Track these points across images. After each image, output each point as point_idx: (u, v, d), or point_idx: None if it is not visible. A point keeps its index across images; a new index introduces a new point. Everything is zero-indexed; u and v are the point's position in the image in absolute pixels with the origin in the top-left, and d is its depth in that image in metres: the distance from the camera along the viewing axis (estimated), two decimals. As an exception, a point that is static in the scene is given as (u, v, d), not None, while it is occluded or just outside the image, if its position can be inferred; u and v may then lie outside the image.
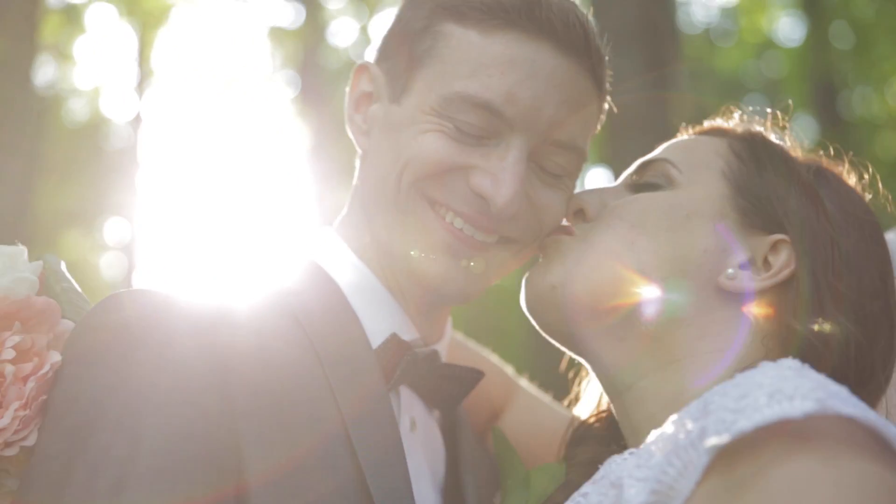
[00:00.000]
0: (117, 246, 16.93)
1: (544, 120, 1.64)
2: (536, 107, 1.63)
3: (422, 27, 1.65)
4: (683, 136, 1.83)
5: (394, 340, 1.63)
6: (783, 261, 1.61)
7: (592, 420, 1.81)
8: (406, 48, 1.65)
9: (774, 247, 1.62)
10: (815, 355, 1.51)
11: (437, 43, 1.63)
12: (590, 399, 1.86)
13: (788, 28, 17.91)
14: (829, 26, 14.82)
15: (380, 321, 1.65)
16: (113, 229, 17.14)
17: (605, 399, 1.80)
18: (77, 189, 16.25)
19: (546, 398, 2.10)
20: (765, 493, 1.17)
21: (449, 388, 1.71)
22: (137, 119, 15.44)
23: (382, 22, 1.78)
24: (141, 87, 15.75)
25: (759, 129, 1.78)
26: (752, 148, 1.71)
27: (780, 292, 1.60)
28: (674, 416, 1.36)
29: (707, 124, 1.83)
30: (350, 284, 1.67)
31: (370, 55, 1.75)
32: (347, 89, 1.74)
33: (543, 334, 1.72)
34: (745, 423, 1.21)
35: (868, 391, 1.55)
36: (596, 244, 1.65)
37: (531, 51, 1.63)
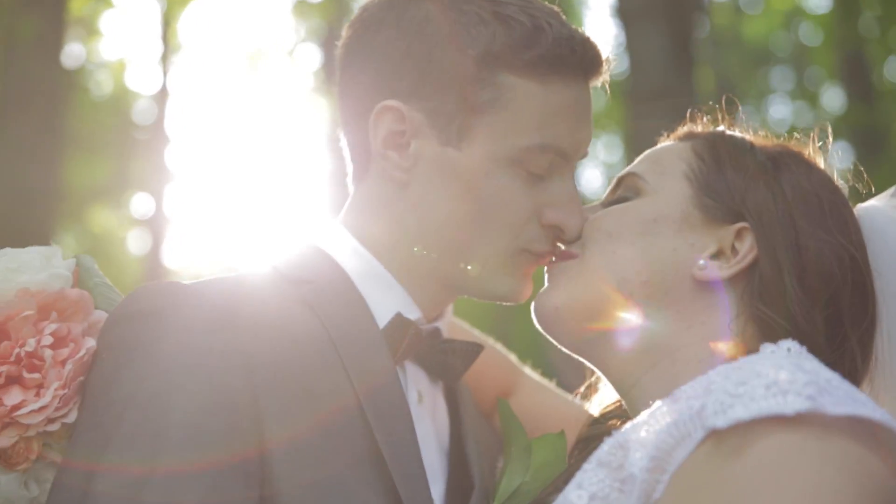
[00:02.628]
0: (143, 221, 17.09)
1: (584, 146, 1.83)
2: (585, 139, 1.82)
3: (474, 76, 1.73)
4: (659, 144, 1.95)
5: (398, 319, 1.76)
6: (747, 246, 1.74)
7: (601, 419, 1.95)
8: (454, 94, 1.74)
9: (738, 234, 1.75)
10: (782, 334, 1.63)
11: (501, 95, 1.73)
12: (602, 398, 2.00)
13: (817, -5, 17.81)
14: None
15: (385, 303, 1.79)
16: (140, 204, 17.35)
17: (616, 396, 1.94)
18: (104, 163, 16.41)
19: (550, 385, 2.21)
20: (745, 460, 1.30)
21: (451, 362, 1.85)
22: (164, 93, 15.51)
23: (381, 56, 1.80)
24: (166, 60, 15.83)
25: (721, 127, 1.92)
26: (712, 146, 1.84)
27: (748, 277, 1.73)
28: (677, 391, 1.49)
29: (679, 130, 1.96)
30: (356, 270, 1.80)
31: (383, 92, 1.78)
32: (371, 130, 1.79)
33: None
34: (742, 411, 1.33)
35: (846, 364, 1.68)
36: (586, 262, 1.80)
37: (577, 91, 1.79)
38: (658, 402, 1.50)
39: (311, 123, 15.77)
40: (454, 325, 2.02)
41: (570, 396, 2.16)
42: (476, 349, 1.86)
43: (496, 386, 2.10)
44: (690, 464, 1.35)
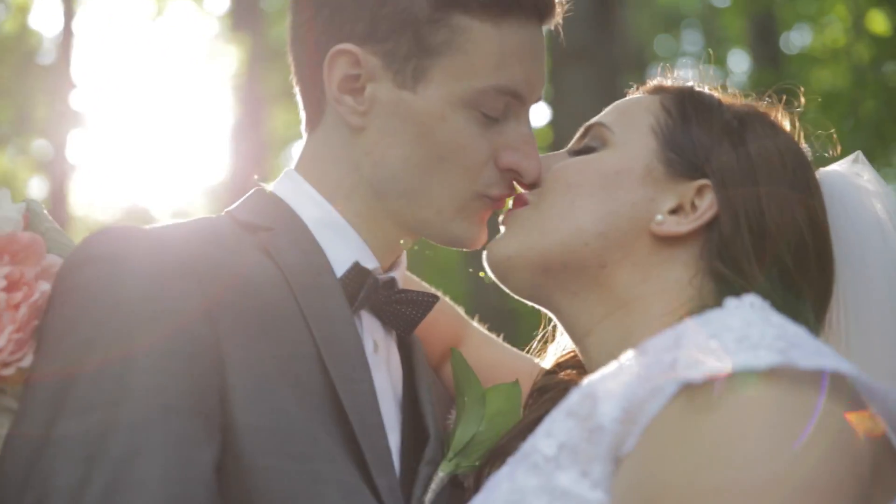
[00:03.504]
0: (43, 166, 16.68)
1: (539, 90, 1.84)
2: (540, 82, 1.83)
3: (428, 17, 1.72)
4: (627, 96, 1.97)
5: (356, 268, 1.77)
6: (707, 203, 1.76)
7: (556, 368, 1.97)
8: (409, 36, 1.73)
9: (699, 191, 1.77)
10: (740, 292, 1.63)
11: (455, 37, 1.73)
12: (554, 351, 2.02)
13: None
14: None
15: (343, 251, 1.79)
16: (41, 148, 16.88)
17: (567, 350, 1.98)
18: (5, 106, 15.91)
19: (497, 339, 2.23)
20: (720, 414, 1.32)
21: (407, 312, 1.85)
22: (68, 34, 15.05)
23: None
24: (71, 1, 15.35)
25: (690, 83, 1.93)
26: (680, 101, 1.85)
27: (706, 234, 1.75)
28: (645, 343, 1.50)
29: (649, 84, 1.96)
30: (314, 219, 1.80)
31: (337, 36, 1.76)
32: (325, 71, 1.77)
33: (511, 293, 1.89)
34: (714, 364, 1.34)
35: (798, 322, 1.68)
36: (542, 210, 1.81)
37: (531, 33, 1.80)
38: (627, 354, 1.52)
39: (216, 69, 15.48)
40: (407, 278, 2.02)
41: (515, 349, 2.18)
42: (431, 299, 1.86)
43: (444, 337, 2.11)
44: (663, 417, 1.37)
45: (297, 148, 1.91)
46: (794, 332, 1.41)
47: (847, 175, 1.89)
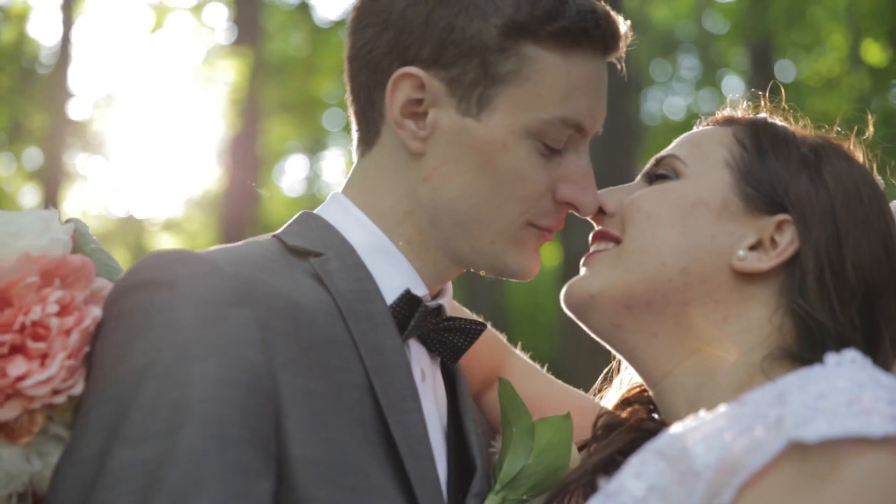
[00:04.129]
0: (36, 175, 16.60)
1: (600, 123, 1.82)
2: (601, 115, 1.81)
3: (497, 46, 1.70)
4: (696, 128, 1.94)
5: (407, 296, 1.74)
6: (788, 239, 1.73)
7: (622, 405, 1.94)
8: (476, 63, 1.71)
9: (779, 227, 1.74)
10: (820, 330, 1.66)
11: (523, 66, 1.71)
12: (616, 389, 1.99)
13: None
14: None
15: (393, 278, 1.76)
16: (34, 158, 16.81)
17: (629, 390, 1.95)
18: (1, 113, 15.83)
19: (541, 369, 2.20)
20: (839, 485, 1.30)
21: (454, 340, 1.82)
22: (66, 43, 15.01)
23: (400, 21, 1.75)
24: (69, 10, 15.31)
25: (763, 115, 1.90)
26: (754, 134, 1.82)
27: (788, 270, 1.72)
28: (744, 395, 1.47)
29: (718, 115, 1.94)
30: (363, 245, 1.77)
31: (401, 59, 1.74)
32: (388, 94, 1.75)
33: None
34: (826, 428, 1.32)
35: (877, 360, 1.65)
36: (626, 246, 1.79)
37: (597, 66, 1.78)
38: (723, 406, 1.49)
39: (214, 82, 15.45)
40: (452, 304, 1.99)
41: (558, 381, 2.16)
42: (479, 327, 1.83)
43: (486, 366, 2.08)
44: (770, 476, 1.34)
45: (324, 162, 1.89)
46: None
47: None
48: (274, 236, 1.80)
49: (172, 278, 1.54)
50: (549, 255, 13.76)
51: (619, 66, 1.86)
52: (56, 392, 1.49)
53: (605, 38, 1.77)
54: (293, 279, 1.67)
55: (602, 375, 2.06)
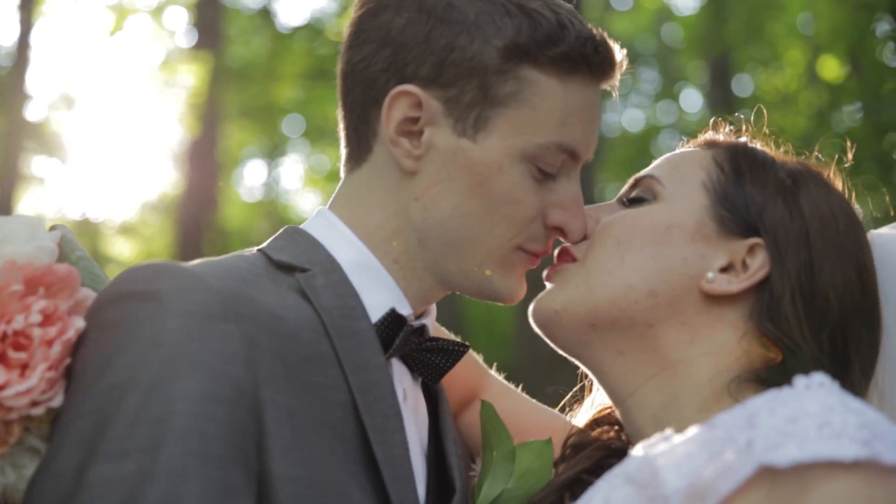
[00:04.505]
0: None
1: (592, 149, 1.83)
2: (594, 142, 1.82)
3: (497, 68, 1.70)
4: (677, 149, 1.95)
5: (392, 315, 1.73)
6: (759, 263, 1.74)
7: (592, 425, 1.94)
8: (475, 84, 1.70)
9: (751, 250, 1.75)
10: (790, 355, 1.67)
11: (522, 89, 1.71)
12: (588, 409, 1.99)
13: (687, -4, 18.26)
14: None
15: (378, 296, 1.74)
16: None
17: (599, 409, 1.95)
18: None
19: (516, 389, 2.20)
20: None
21: (436, 360, 1.81)
22: (24, 44, 14.81)
23: (399, 39, 1.74)
24: (28, 10, 15.11)
25: (744, 139, 1.91)
26: (733, 158, 1.83)
27: (757, 294, 1.73)
28: (713, 418, 1.47)
29: (700, 137, 1.95)
30: (349, 262, 1.75)
31: (399, 77, 1.73)
32: (384, 111, 1.74)
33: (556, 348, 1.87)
34: (797, 452, 1.32)
35: (845, 387, 1.65)
36: (590, 266, 1.79)
37: (592, 92, 1.79)
38: (693, 428, 1.49)
39: (173, 86, 15.33)
40: (434, 325, 1.98)
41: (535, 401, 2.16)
42: (462, 349, 1.83)
43: (463, 387, 2.08)
44: (740, 501, 1.34)
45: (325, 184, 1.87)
46: (875, 419, 1.39)
47: None
48: (259, 250, 1.79)
49: (158, 291, 1.51)
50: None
51: (613, 95, 1.87)
52: (35, 404, 1.47)
53: (602, 65, 1.77)
54: (278, 294, 1.65)
55: (570, 394, 2.06)
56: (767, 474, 1.34)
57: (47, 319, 1.50)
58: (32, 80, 15.77)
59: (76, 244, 1.67)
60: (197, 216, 14.02)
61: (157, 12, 17.15)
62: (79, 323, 1.52)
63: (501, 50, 1.70)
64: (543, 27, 1.71)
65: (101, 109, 16.82)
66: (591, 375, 1.88)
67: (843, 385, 1.56)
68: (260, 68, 17.77)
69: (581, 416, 1.99)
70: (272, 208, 20.71)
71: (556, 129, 1.73)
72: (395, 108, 1.73)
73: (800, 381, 1.46)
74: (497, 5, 1.72)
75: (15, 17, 15.01)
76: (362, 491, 1.57)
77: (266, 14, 18.38)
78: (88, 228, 16.64)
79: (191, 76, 14.32)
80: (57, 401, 1.49)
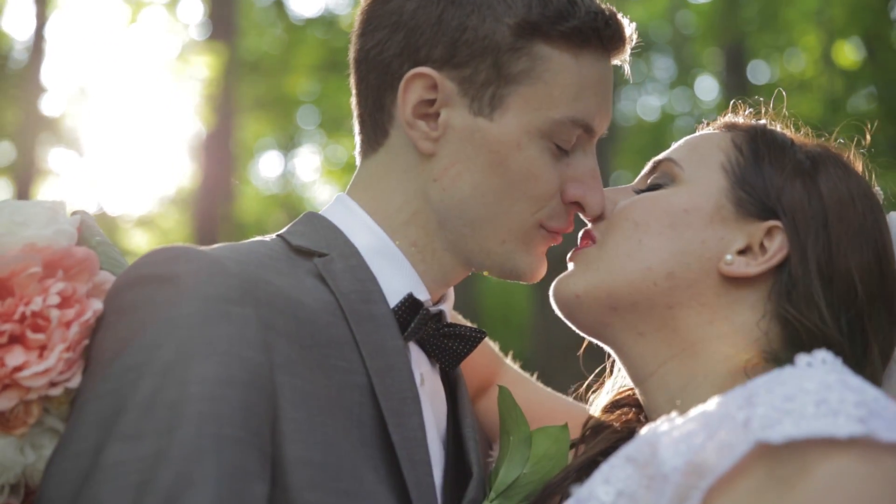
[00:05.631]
0: (7, 170, 16.45)
1: (607, 123, 1.83)
2: (608, 116, 1.82)
3: (510, 45, 1.71)
4: (698, 132, 1.95)
5: (410, 300, 1.74)
6: (777, 245, 1.74)
7: (611, 407, 1.95)
8: (489, 63, 1.71)
9: (769, 232, 1.75)
10: (808, 336, 1.67)
11: (535, 65, 1.72)
12: (608, 391, 2.00)
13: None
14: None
15: (396, 281, 1.76)
16: (6, 152, 16.66)
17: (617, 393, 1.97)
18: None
19: (531, 378, 2.22)
20: (807, 489, 1.30)
21: (453, 346, 1.82)
22: (39, 38, 14.86)
23: (411, 22, 1.75)
24: (43, 4, 15.16)
25: (763, 121, 1.91)
26: (752, 140, 1.84)
27: (776, 276, 1.73)
28: (714, 399, 1.47)
29: (720, 120, 1.95)
30: (368, 247, 1.77)
31: (412, 60, 1.74)
32: (399, 94, 1.75)
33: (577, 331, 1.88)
34: (793, 429, 1.32)
35: (866, 373, 1.68)
36: (609, 249, 1.80)
37: (604, 67, 1.80)
38: (696, 408, 1.49)
39: (188, 78, 15.36)
40: (451, 312, 1.99)
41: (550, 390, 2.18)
42: (479, 335, 1.84)
43: (479, 374, 2.09)
44: (738, 479, 1.35)
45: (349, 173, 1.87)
46: (874, 396, 1.38)
47: None
48: (278, 235, 1.80)
49: (176, 274, 1.52)
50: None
51: (625, 70, 1.88)
52: (53, 384, 1.49)
53: (613, 38, 1.79)
54: (296, 278, 1.67)
55: (585, 383, 2.07)
56: (765, 453, 1.34)
57: (65, 301, 1.51)
58: (48, 73, 15.85)
59: (97, 229, 1.68)
60: (213, 209, 14.07)
61: (172, 5, 17.19)
62: (97, 305, 1.54)
63: (513, 27, 1.72)
64: (553, 3, 1.73)
65: (116, 102, 16.86)
66: (613, 356, 1.89)
67: (863, 371, 1.59)
68: (274, 60, 17.80)
69: (601, 399, 2.00)
70: (288, 200, 20.72)
71: (570, 103, 1.74)
72: (410, 91, 1.75)
73: (802, 358, 1.46)
74: None
75: (30, 10, 15.07)
76: (377, 474, 1.58)
77: (280, 5, 18.42)
78: (105, 221, 16.71)
79: (205, 68, 14.35)
80: (74, 381, 1.50)
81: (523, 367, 2.21)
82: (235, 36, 15.61)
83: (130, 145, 17.66)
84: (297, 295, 1.63)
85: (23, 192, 14.78)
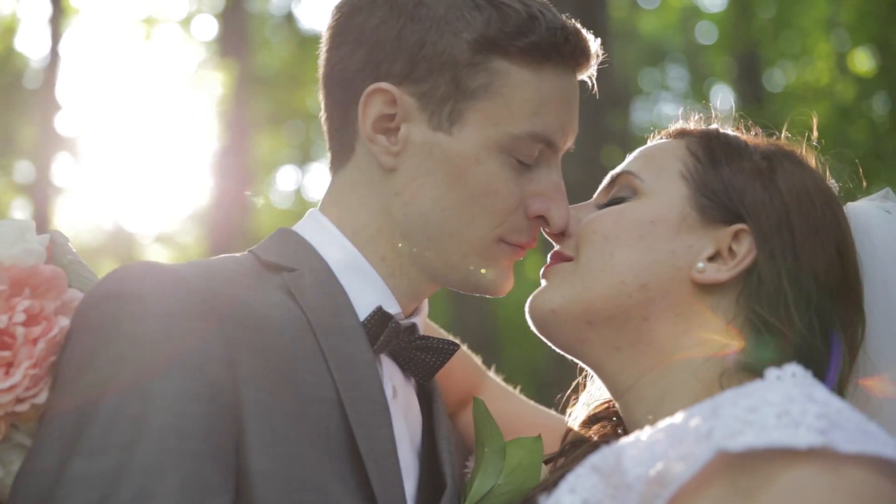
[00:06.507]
0: (26, 189, 16.55)
1: (571, 138, 1.84)
2: (573, 131, 1.83)
3: (467, 61, 1.72)
4: (650, 142, 1.95)
5: (379, 312, 1.74)
6: (745, 248, 1.74)
7: (589, 421, 1.94)
8: (447, 78, 1.73)
9: (736, 236, 1.76)
10: (782, 338, 1.67)
11: (493, 80, 1.73)
12: (584, 405, 1.99)
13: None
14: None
15: (365, 295, 1.76)
16: (24, 171, 16.76)
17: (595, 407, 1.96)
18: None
19: (514, 391, 2.22)
20: (767, 499, 1.30)
21: (426, 358, 1.83)
22: (55, 57, 14.97)
23: (373, 38, 1.77)
24: (57, 23, 15.27)
25: (715, 126, 1.91)
26: (707, 145, 1.84)
27: (745, 279, 1.74)
28: (681, 412, 1.47)
29: (671, 128, 1.95)
30: (337, 261, 1.78)
31: (373, 76, 1.76)
32: (360, 109, 1.77)
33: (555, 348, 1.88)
34: (753, 439, 1.32)
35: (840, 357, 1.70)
36: (582, 263, 1.80)
37: (567, 82, 1.80)
38: (664, 420, 1.49)
39: (202, 94, 15.44)
40: (428, 325, 2.01)
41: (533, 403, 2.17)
42: (452, 347, 1.84)
43: (461, 387, 2.10)
44: (700, 489, 1.34)
45: (321, 188, 1.88)
46: (837, 408, 1.38)
47: (873, 209, 1.87)
48: (250, 251, 1.82)
49: (139, 291, 1.54)
50: (536, 267, 13.74)
51: (590, 84, 1.88)
52: (20, 400, 1.51)
53: (574, 54, 1.80)
54: (263, 293, 1.68)
55: (570, 390, 2.07)
56: (727, 465, 1.34)
57: (32, 319, 1.53)
58: (63, 91, 15.96)
59: (69, 248, 1.70)
60: (229, 223, 14.12)
61: (186, 21, 17.31)
62: (63, 322, 1.55)
63: (471, 43, 1.73)
64: (513, 19, 1.74)
65: (132, 119, 16.97)
66: (590, 371, 1.89)
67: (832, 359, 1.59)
68: (286, 74, 17.87)
69: (579, 412, 1.99)
70: (304, 214, 20.74)
71: (529, 118, 1.75)
72: (370, 106, 1.76)
73: (772, 372, 1.46)
74: (467, 0, 1.74)
75: (45, 29, 15.19)
76: (345, 486, 1.59)
77: (290, 20, 18.50)
78: (123, 238, 16.81)
79: (218, 84, 14.44)
80: (41, 398, 1.52)
81: (539, 376, 2.22)
82: (247, 51, 15.68)
83: (147, 162, 17.75)
84: (264, 309, 1.64)
85: (41, 210, 14.87)
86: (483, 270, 1.79)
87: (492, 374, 2.21)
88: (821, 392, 1.41)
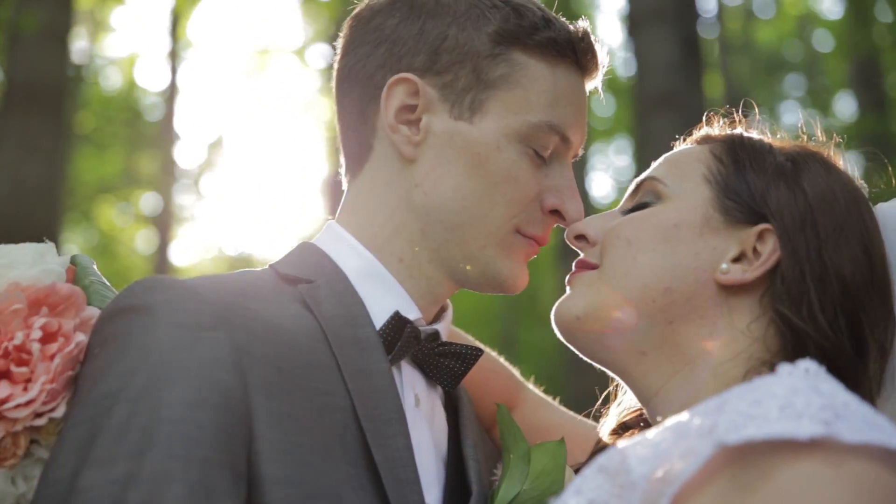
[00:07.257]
0: (152, 219, 17.07)
1: (582, 140, 1.88)
2: (583, 132, 1.87)
3: (488, 52, 1.79)
4: (675, 148, 1.94)
5: (396, 318, 1.75)
6: (770, 248, 1.72)
7: (620, 429, 1.93)
8: (469, 69, 1.79)
9: (761, 236, 1.74)
10: (807, 338, 1.65)
11: (513, 71, 1.80)
12: (614, 414, 1.98)
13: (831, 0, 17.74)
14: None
15: (383, 301, 1.78)
16: (148, 202, 17.34)
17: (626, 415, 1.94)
18: (113, 159, 16.37)
19: (552, 401, 2.20)
20: (768, 493, 1.26)
21: (450, 365, 1.83)
22: (173, 89, 15.48)
23: (393, 36, 1.83)
24: (175, 57, 15.79)
25: (738, 129, 1.92)
26: (731, 148, 1.84)
27: (770, 279, 1.71)
28: (688, 410, 1.45)
29: (696, 134, 1.95)
30: (354, 270, 1.81)
31: (393, 67, 1.81)
32: (382, 100, 1.81)
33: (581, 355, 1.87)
34: (755, 431, 1.29)
35: (868, 367, 1.67)
36: (606, 269, 1.79)
37: (578, 83, 1.87)
38: (669, 419, 1.47)
39: (317, 122, 15.76)
40: (454, 332, 2.00)
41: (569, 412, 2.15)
42: (475, 353, 1.84)
43: (499, 397, 2.07)
44: (704, 485, 1.31)
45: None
46: (844, 401, 1.34)
47: None
48: (270, 266, 1.85)
49: (151, 304, 1.57)
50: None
51: (601, 95, 1.94)
52: (38, 415, 1.54)
53: (587, 54, 1.86)
54: (279, 305, 1.70)
55: (600, 400, 2.04)
56: (732, 459, 1.31)
57: (49, 336, 1.57)
58: (182, 122, 16.47)
59: (92, 270, 1.74)
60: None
61: (301, 51, 17.69)
62: (80, 338, 1.59)
63: (492, 35, 1.80)
64: (529, 18, 1.81)
65: (250, 148, 17.42)
66: (616, 378, 1.87)
67: (864, 366, 1.58)
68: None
69: (609, 421, 1.97)
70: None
71: (546, 109, 1.80)
72: (392, 96, 1.81)
73: (783, 367, 1.42)
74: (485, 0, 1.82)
75: (164, 64, 15.74)
76: (362, 493, 1.59)
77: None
78: (246, 264, 17.24)
79: (328, 111, 14.71)
80: (59, 412, 1.55)
81: (555, 388, 2.19)
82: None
83: (266, 189, 18.18)
84: (278, 320, 1.66)
85: (164, 240, 15.36)
86: (501, 261, 1.82)
87: (530, 384, 2.18)
88: (828, 385, 1.37)
